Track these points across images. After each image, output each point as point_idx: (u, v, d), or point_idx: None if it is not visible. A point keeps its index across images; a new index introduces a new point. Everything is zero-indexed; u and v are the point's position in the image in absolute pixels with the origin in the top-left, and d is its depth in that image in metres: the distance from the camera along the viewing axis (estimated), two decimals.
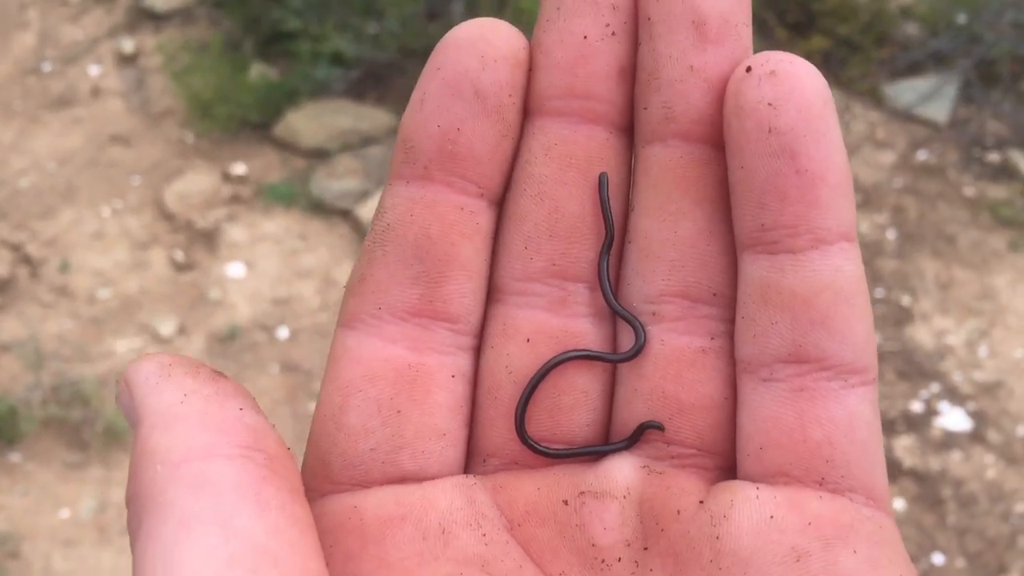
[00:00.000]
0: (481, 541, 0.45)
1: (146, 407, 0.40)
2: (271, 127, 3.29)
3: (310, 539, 0.38)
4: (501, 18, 0.47)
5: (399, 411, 0.46)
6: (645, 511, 0.46)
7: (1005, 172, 3.11)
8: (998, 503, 2.34)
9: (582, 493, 0.47)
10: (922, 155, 3.18)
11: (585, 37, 0.45)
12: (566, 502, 0.46)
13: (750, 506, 0.44)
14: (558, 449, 0.48)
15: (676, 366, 0.47)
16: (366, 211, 2.97)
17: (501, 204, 0.48)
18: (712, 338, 0.47)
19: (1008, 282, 2.83)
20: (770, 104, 0.42)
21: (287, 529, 0.37)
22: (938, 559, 2.25)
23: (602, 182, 0.47)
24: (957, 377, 2.61)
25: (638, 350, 0.47)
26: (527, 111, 0.47)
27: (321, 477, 0.47)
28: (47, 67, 3.55)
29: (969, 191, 3.09)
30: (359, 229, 2.97)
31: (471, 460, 0.49)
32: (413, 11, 3.29)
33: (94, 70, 3.53)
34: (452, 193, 0.46)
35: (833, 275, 0.43)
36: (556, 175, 0.47)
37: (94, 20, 3.70)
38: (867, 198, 3.12)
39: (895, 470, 2.38)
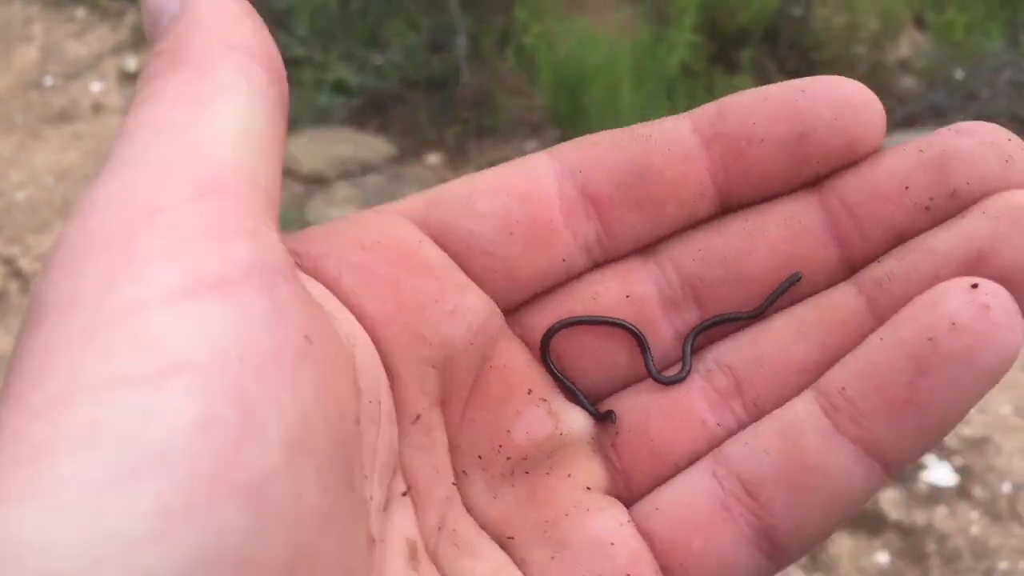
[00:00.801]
0: None
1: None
2: None
3: None
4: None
5: None
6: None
7: None
8: (982, 559, 2.33)
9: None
10: None
11: None
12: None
13: None
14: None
15: None
16: None
17: None
18: None
19: None
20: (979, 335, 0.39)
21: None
22: None
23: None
24: None
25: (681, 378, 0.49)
26: None
27: None
28: (49, 82, 3.56)
29: None
30: None
31: None
32: (416, 43, 3.31)
33: (96, 86, 3.53)
34: None
35: None
36: None
37: (98, 37, 3.71)
38: None
39: (880, 523, 2.37)
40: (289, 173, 3.24)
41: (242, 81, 0.37)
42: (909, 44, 3.43)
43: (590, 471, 0.48)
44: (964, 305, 0.39)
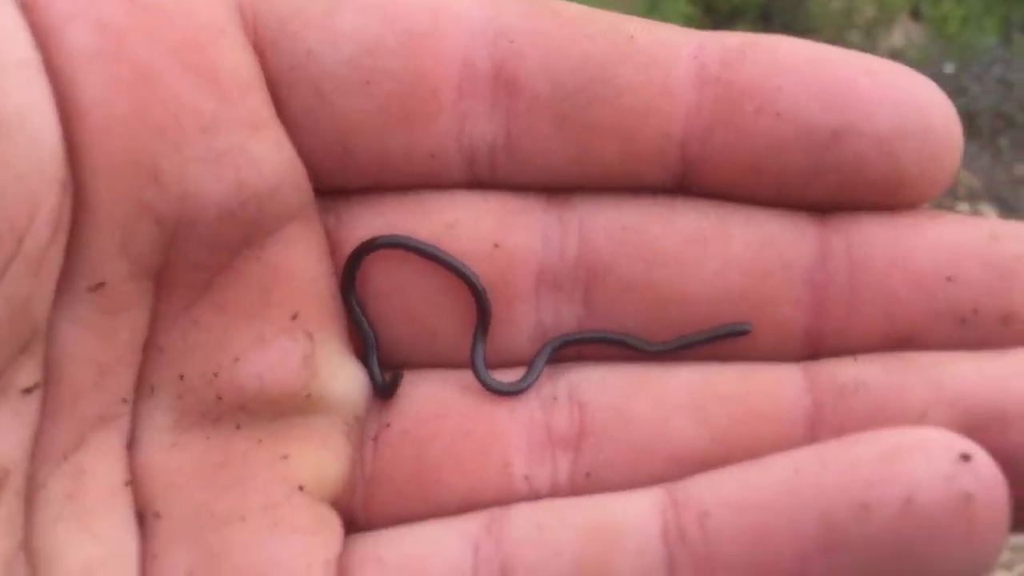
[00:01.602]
0: None
1: None
2: None
3: None
4: None
5: None
6: None
7: None
8: None
9: None
10: None
11: None
12: None
13: None
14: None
15: None
16: None
17: None
18: None
19: None
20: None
21: None
22: None
23: None
24: None
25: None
26: None
27: None
28: None
29: None
30: None
31: None
32: None
33: None
34: None
35: None
36: None
37: None
38: None
39: None
40: None
41: None
42: (903, 34, 3.42)
43: (321, 462, 0.32)
44: (939, 480, 0.25)
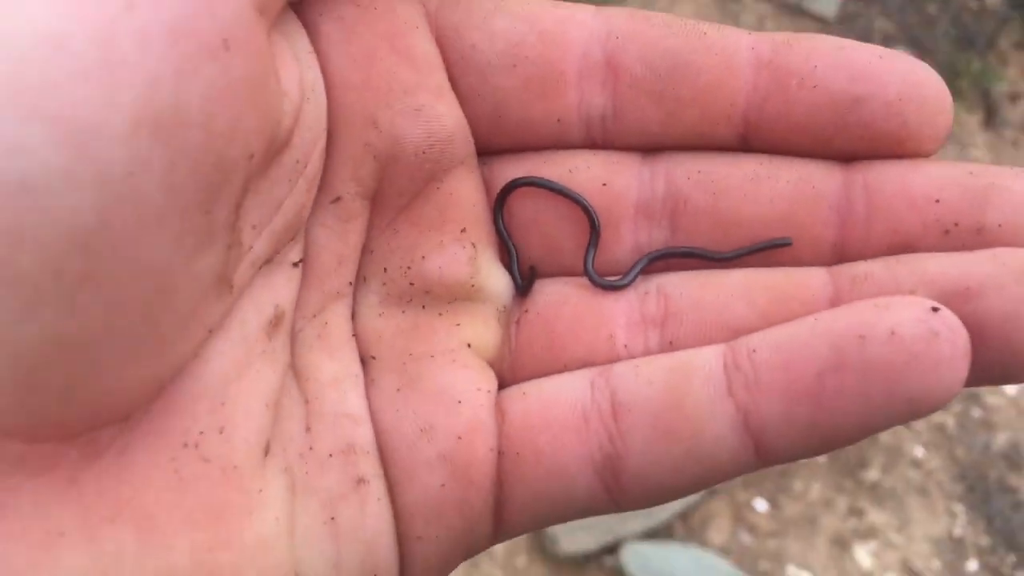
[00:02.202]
0: None
1: None
2: None
3: None
4: None
5: None
6: None
7: None
8: None
9: None
10: None
11: None
12: None
13: None
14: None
15: None
16: None
17: None
18: None
19: None
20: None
21: None
22: None
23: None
24: None
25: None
26: None
27: None
28: None
29: None
30: None
31: None
32: None
33: None
34: None
35: None
36: None
37: None
38: None
39: None
40: None
41: None
42: None
43: (482, 332, 0.44)
44: (914, 321, 0.35)
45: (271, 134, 0.35)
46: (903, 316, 0.36)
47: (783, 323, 0.39)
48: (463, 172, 0.44)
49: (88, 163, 0.27)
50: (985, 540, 2.15)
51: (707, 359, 0.40)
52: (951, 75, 3.01)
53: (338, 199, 0.41)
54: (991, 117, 2.98)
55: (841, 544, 2.07)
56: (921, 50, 3.06)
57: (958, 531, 2.15)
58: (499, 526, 0.42)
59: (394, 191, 0.43)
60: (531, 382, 0.43)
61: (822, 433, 0.37)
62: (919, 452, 2.27)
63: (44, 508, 0.30)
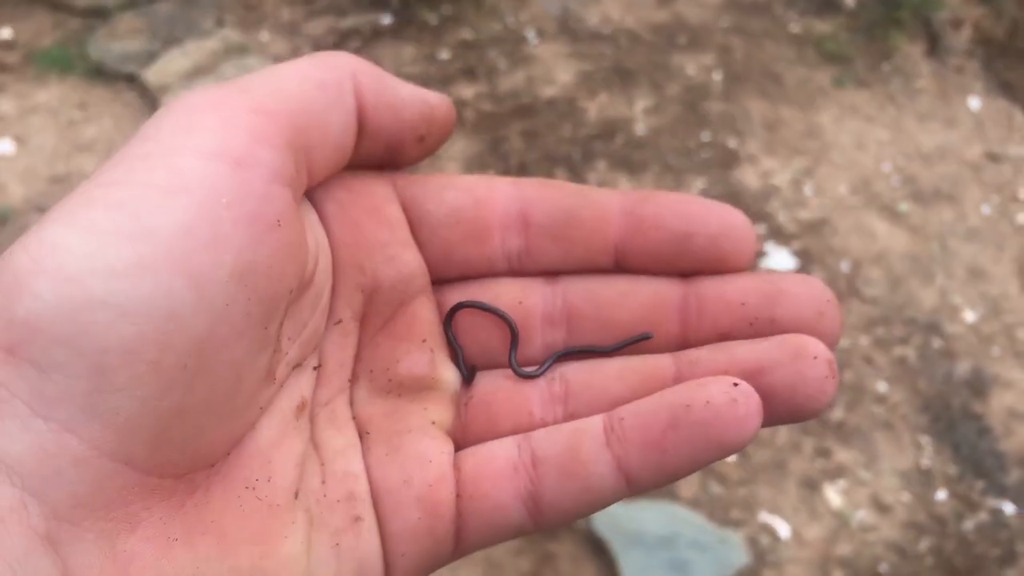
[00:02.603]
0: None
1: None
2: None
3: None
4: None
5: None
6: None
7: (829, 7, 3.04)
8: None
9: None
10: None
11: None
12: None
13: None
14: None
15: None
16: (154, 75, 2.66)
17: None
18: None
19: (833, 119, 2.79)
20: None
21: None
22: None
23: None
24: (783, 217, 2.57)
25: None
26: None
27: None
28: None
29: (795, 27, 3.02)
30: (147, 95, 2.67)
31: None
32: None
33: None
34: None
35: None
36: None
37: None
38: (693, 39, 3.00)
39: None
40: (63, 8, 2.87)
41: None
42: None
43: (442, 413, 0.59)
44: (720, 393, 0.51)
45: (303, 277, 0.51)
46: (714, 390, 0.51)
47: (643, 396, 0.55)
48: (423, 299, 0.60)
49: (205, 300, 0.44)
50: (953, 469, 2.16)
51: (593, 424, 0.55)
52: (891, 6, 2.99)
53: (339, 321, 0.57)
54: (934, 45, 2.97)
55: (810, 486, 2.08)
56: None
57: (925, 462, 2.16)
58: (458, 546, 0.58)
59: (375, 314, 0.59)
60: (477, 446, 0.58)
61: (667, 470, 0.53)
62: (882, 387, 2.27)
63: (166, 521, 0.45)
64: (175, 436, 0.45)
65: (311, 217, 0.56)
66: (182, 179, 0.45)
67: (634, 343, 0.59)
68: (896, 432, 2.20)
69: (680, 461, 0.52)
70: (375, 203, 0.59)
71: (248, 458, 0.51)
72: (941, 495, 2.11)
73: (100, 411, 0.42)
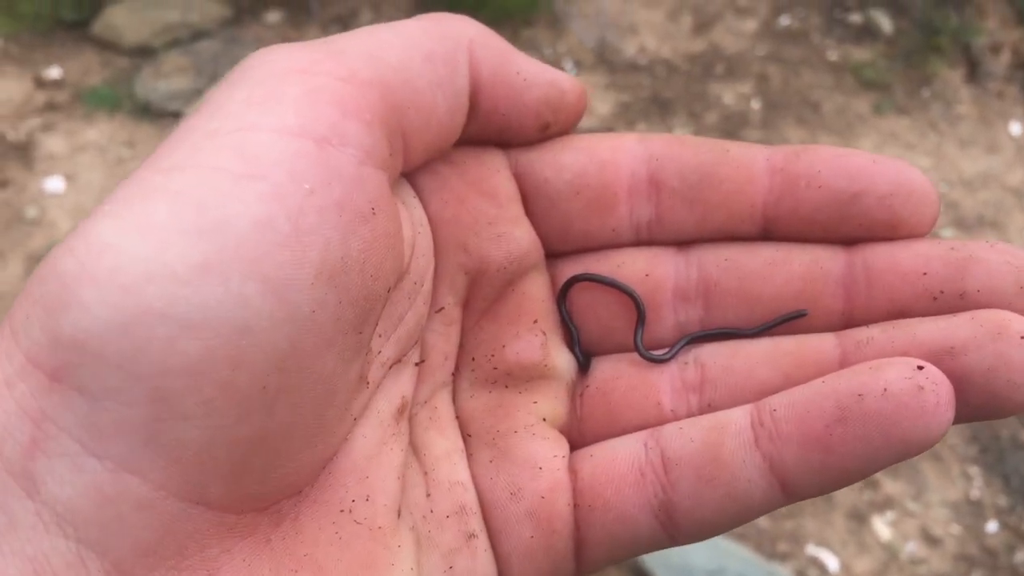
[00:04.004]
0: None
1: None
2: (88, 25, 2.97)
3: None
4: None
5: None
6: None
7: (868, 33, 3.04)
8: None
9: None
10: (785, 20, 3.08)
11: None
12: None
13: None
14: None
15: None
16: None
17: None
18: None
19: (873, 146, 2.78)
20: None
21: None
22: None
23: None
24: None
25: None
26: None
27: None
28: None
29: (833, 55, 3.02)
30: None
31: None
32: None
33: None
34: None
35: None
36: None
37: None
38: (731, 68, 3.00)
39: None
40: (111, 47, 2.93)
41: None
42: None
43: (554, 406, 0.52)
44: (902, 379, 0.42)
45: (400, 270, 0.45)
46: (893, 375, 0.43)
47: (799, 384, 0.46)
48: (534, 275, 0.53)
49: (285, 307, 0.37)
50: (1003, 500, 2.14)
51: (737, 418, 0.47)
52: (929, 33, 2.98)
53: (441, 309, 0.51)
54: (974, 71, 2.96)
55: (859, 518, 2.06)
56: (897, 10, 3.04)
57: (975, 493, 2.14)
58: (580, 565, 0.51)
59: (480, 297, 0.52)
60: (595, 445, 0.51)
61: (833, 474, 0.44)
62: None
63: (250, 562, 0.39)
64: (255, 466, 0.39)
65: (407, 193, 0.49)
66: (256, 162, 0.37)
67: (786, 322, 0.51)
68: (945, 463, 2.17)
69: (850, 463, 0.44)
70: (482, 174, 0.51)
71: (342, 476, 0.44)
72: (992, 527, 2.08)
73: (164, 444, 0.35)
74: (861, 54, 3.00)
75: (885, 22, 3.02)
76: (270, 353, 0.37)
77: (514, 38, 3.11)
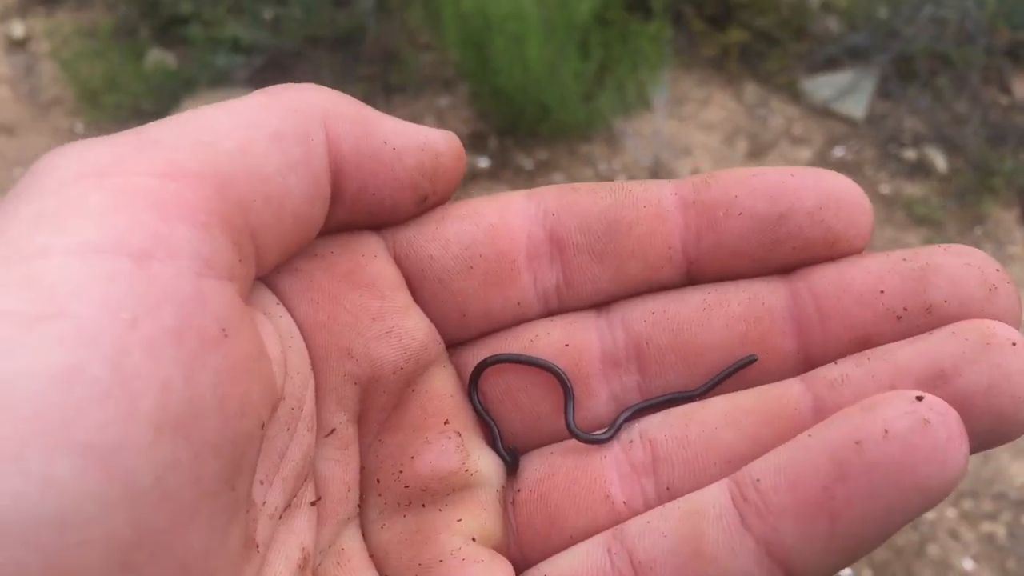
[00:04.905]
0: None
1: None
2: (165, 115, 3.12)
3: None
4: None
5: None
6: None
7: (921, 169, 3.06)
8: None
9: None
10: (839, 152, 3.12)
11: None
12: None
13: None
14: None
15: None
16: None
17: None
18: None
19: None
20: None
21: None
22: (845, 571, 2.18)
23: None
24: None
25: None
26: None
27: None
28: None
29: (885, 189, 3.04)
30: None
31: None
32: None
33: None
34: None
35: None
36: None
37: None
38: None
39: None
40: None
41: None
42: None
43: (483, 521, 0.45)
44: (902, 415, 0.36)
45: (275, 397, 0.37)
46: (891, 413, 0.36)
47: (776, 444, 0.40)
48: (436, 369, 0.46)
49: (117, 481, 0.28)
50: None
51: (714, 498, 0.40)
52: (984, 173, 3.00)
53: (332, 431, 0.43)
54: None
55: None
56: (952, 148, 3.06)
57: None
58: None
59: (376, 408, 0.44)
60: (548, 561, 0.43)
61: (844, 544, 0.36)
62: (968, 565, 2.20)
63: None
64: None
65: (267, 301, 0.42)
66: (51, 296, 0.29)
67: (735, 372, 0.44)
68: None
69: (860, 527, 0.36)
70: (356, 263, 0.44)
71: None
72: None
73: None
74: (914, 190, 3.02)
75: (939, 160, 3.05)
76: (108, 547, 0.28)
77: (571, 153, 3.20)
